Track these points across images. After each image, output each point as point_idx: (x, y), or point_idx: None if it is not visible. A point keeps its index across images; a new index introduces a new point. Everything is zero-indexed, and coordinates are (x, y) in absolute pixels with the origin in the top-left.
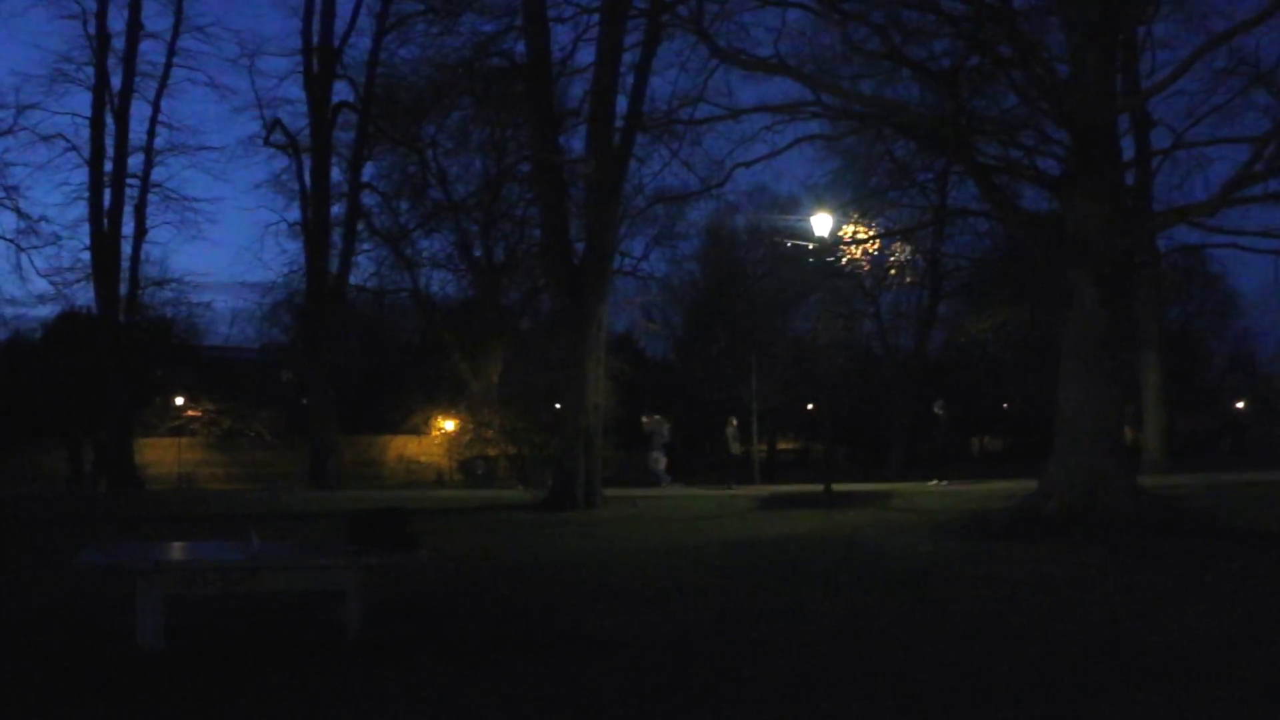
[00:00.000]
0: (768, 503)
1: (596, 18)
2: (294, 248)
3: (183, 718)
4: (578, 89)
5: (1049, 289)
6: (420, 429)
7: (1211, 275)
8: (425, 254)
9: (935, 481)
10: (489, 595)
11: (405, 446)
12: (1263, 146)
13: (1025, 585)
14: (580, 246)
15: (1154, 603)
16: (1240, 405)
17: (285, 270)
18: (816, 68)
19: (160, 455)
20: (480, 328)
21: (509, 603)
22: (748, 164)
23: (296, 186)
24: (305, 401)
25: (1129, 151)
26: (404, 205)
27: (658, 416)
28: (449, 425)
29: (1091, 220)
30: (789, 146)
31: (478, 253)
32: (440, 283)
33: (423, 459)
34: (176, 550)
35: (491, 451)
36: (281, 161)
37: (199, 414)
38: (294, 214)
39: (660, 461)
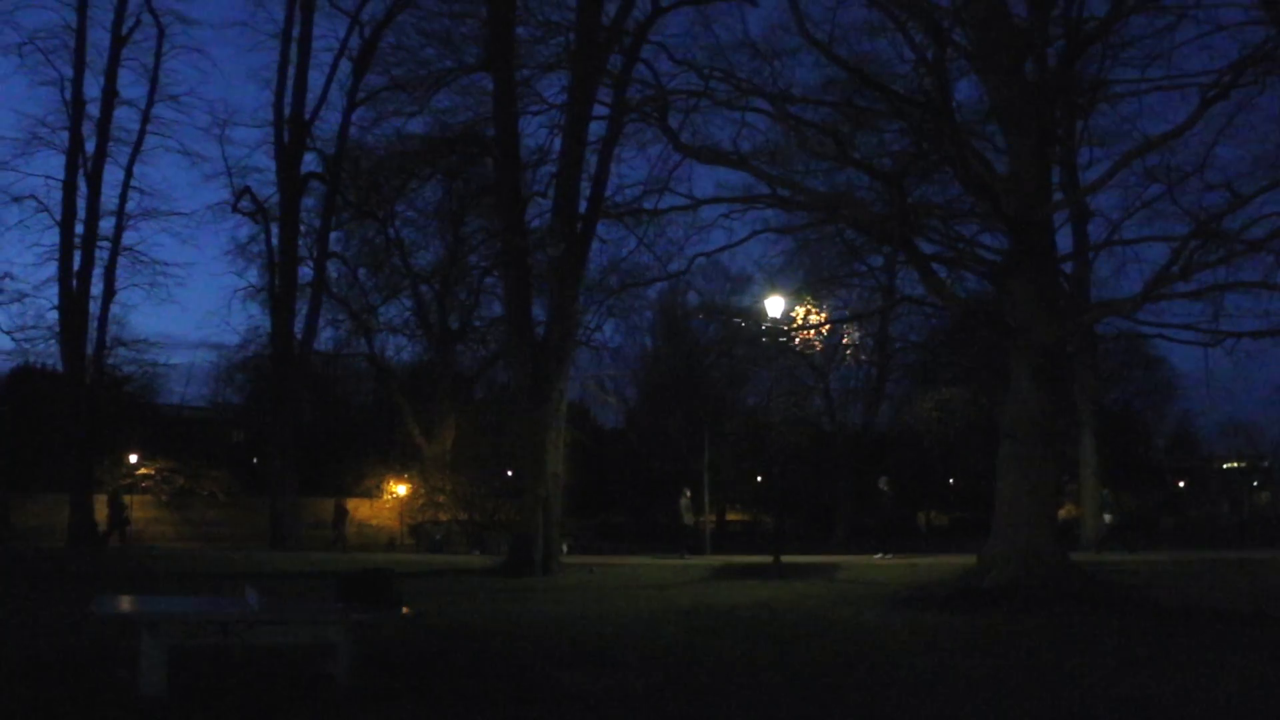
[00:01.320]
0: (720, 572)
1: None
2: (259, 313)
3: None
4: (544, 170)
5: (989, 372)
6: (373, 492)
7: (1153, 358)
8: (382, 319)
9: (880, 555)
10: (462, 653)
11: (357, 509)
12: (1179, 252)
13: (959, 653)
14: (541, 322)
15: (1067, 670)
16: (1182, 484)
17: (242, 332)
18: (772, 160)
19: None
20: (434, 393)
21: (482, 660)
22: (708, 254)
23: (263, 252)
24: (263, 461)
25: (1069, 240)
26: (363, 271)
27: None
28: (402, 489)
29: (1027, 309)
30: (747, 239)
31: (434, 320)
32: (396, 348)
33: (375, 522)
34: (179, 604)
35: (443, 516)
36: (249, 228)
37: (151, 471)
38: (256, 278)
39: None
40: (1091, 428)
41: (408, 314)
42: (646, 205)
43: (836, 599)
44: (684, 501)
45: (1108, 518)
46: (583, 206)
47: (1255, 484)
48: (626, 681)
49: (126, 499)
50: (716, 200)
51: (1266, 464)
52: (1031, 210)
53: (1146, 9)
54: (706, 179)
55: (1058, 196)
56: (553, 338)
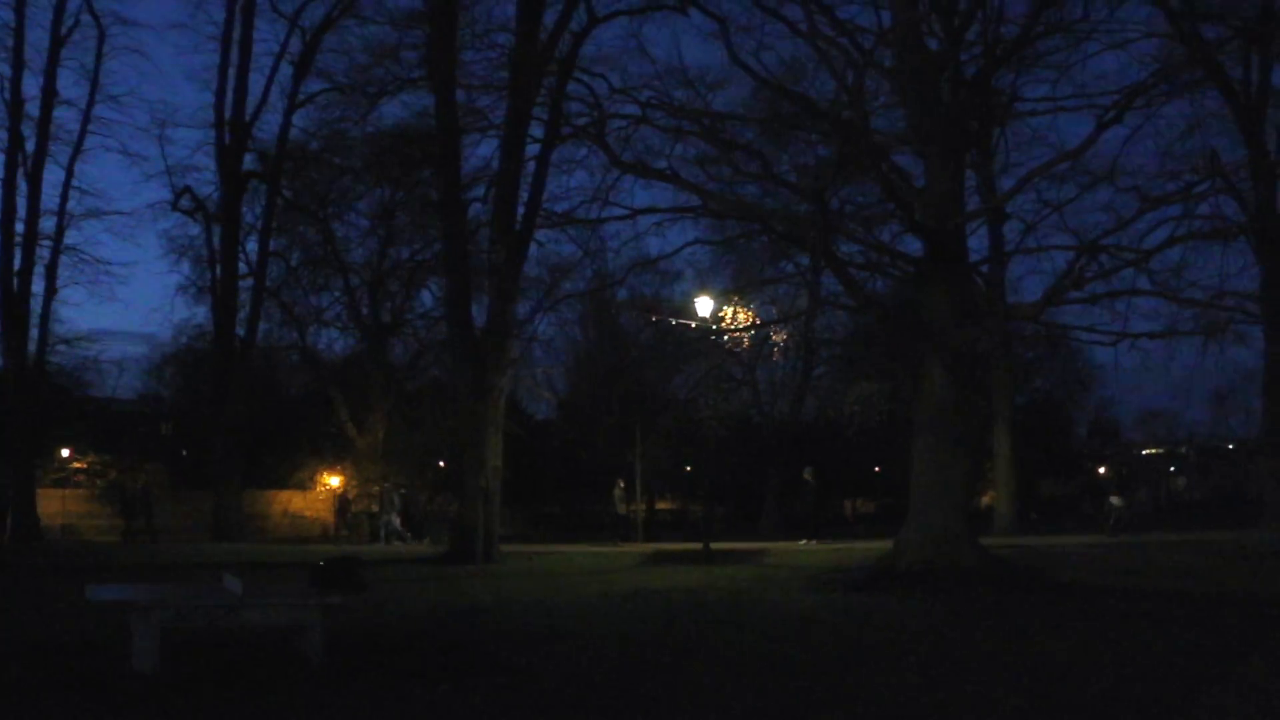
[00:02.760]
0: (653, 559)
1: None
2: (200, 309)
3: None
4: (484, 173)
5: (906, 369)
6: (305, 484)
7: (1072, 349)
8: (314, 312)
9: (804, 541)
10: (420, 635)
11: (290, 501)
12: (1072, 264)
13: (872, 628)
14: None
15: (968, 645)
16: (1102, 471)
17: (174, 326)
18: (704, 172)
19: (44, 507)
20: (366, 385)
21: (438, 641)
22: (645, 263)
23: (197, 248)
24: (195, 455)
25: (987, 239)
26: (297, 265)
27: (388, 484)
28: (334, 481)
29: (941, 312)
30: (682, 249)
31: (366, 313)
32: (328, 340)
33: (308, 514)
34: (168, 590)
35: (375, 508)
36: (189, 226)
37: (84, 465)
38: (189, 271)
39: (396, 520)
40: (1006, 420)
41: (339, 307)
42: (585, 214)
43: (763, 582)
44: (617, 492)
45: (1115, 501)
46: (521, 211)
47: (1172, 469)
48: (573, 659)
49: (57, 493)
50: (652, 210)
51: (1183, 450)
52: (945, 220)
53: (1052, 34)
54: (641, 193)
55: (974, 203)
56: (492, 337)
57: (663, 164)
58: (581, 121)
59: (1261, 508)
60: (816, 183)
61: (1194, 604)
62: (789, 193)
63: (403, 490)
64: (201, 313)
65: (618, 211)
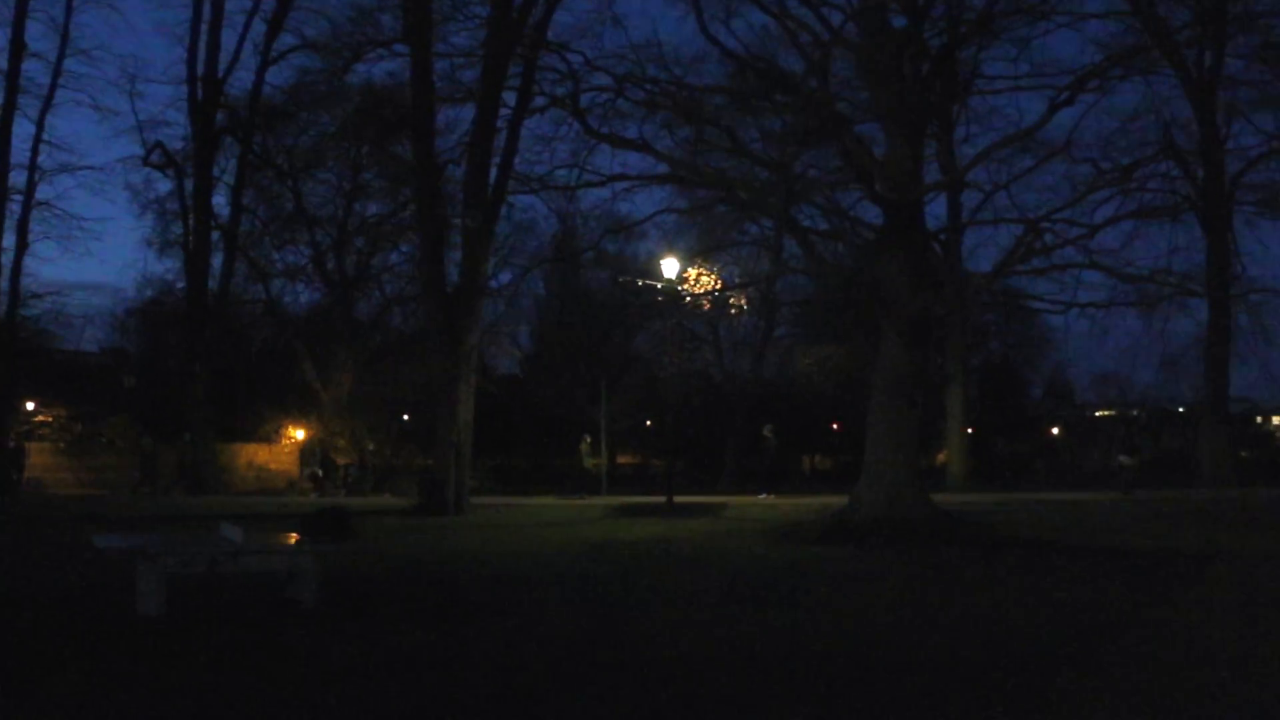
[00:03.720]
0: (618, 511)
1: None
2: (167, 264)
3: (185, 663)
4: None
5: (863, 333)
6: (271, 437)
7: (1029, 310)
8: (279, 265)
9: (764, 495)
10: (402, 580)
11: (256, 454)
12: (1020, 241)
13: (826, 576)
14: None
15: (915, 587)
16: (1056, 431)
17: (139, 280)
18: (671, 138)
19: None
20: (331, 339)
21: (420, 586)
22: (616, 230)
23: (160, 201)
24: (159, 408)
25: (943, 207)
26: (263, 214)
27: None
28: (300, 434)
29: (898, 280)
30: (653, 216)
31: (331, 266)
32: (293, 295)
33: (273, 466)
34: (174, 538)
35: (341, 460)
36: (160, 182)
37: (49, 419)
38: (153, 226)
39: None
40: (959, 382)
41: (306, 261)
42: (558, 179)
43: (724, 533)
44: (584, 447)
45: (1124, 460)
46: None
47: (1124, 431)
48: (547, 600)
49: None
50: (623, 178)
51: (1136, 414)
52: (905, 192)
53: (1012, 16)
54: (611, 159)
55: (934, 172)
56: (464, 295)
57: (634, 132)
58: (560, 92)
59: (1199, 469)
60: (781, 155)
61: (1113, 556)
62: (754, 161)
63: (329, 445)
64: (167, 266)
65: (591, 178)
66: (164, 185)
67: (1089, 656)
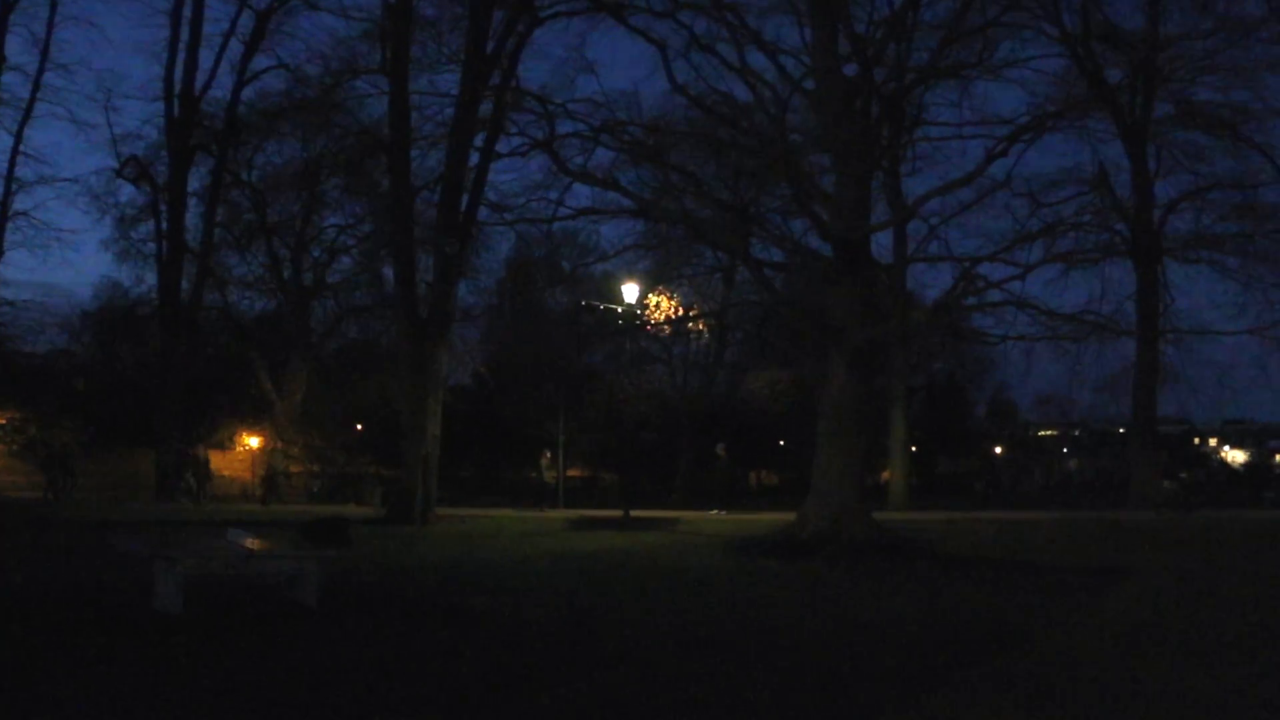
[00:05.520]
0: (577, 524)
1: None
2: (125, 270)
3: (207, 657)
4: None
5: (812, 359)
6: (225, 444)
7: (975, 329)
8: (235, 273)
9: (715, 510)
10: (389, 585)
11: (210, 461)
12: (955, 285)
13: (776, 586)
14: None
15: (848, 596)
16: (999, 450)
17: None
18: (637, 176)
19: None
20: (286, 347)
21: (406, 590)
22: (587, 263)
23: (125, 211)
24: (110, 412)
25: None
26: (222, 219)
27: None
28: (254, 442)
29: (846, 312)
30: (622, 251)
31: (288, 275)
32: (249, 301)
33: (226, 473)
34: (188, 543)
35: (295, 469)
36: (124, 189)
37: (3, 421)
38: (108, 233)
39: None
40: (901, 404)
41: (261, 270)
42: (530, 209)
43: (681, 546)
44: (544, 461)
45: (1168, 484)
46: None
47: (1065, 450)
48: (522, 606)
49: None
50: (595, 212)
51: (1077, 433)
52: (853, 230)
53: (954, 71)
54: (579, 191)
55: (881, 206)
56: (435, 314)
57: (604, 173)
58: (538, 135)
59: (1128, 489)
60: (740, 196)
61: (1026, 570)
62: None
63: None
64: (124, 271)
65: (564, 211)
66: (125, 191)
67: (964, 650)
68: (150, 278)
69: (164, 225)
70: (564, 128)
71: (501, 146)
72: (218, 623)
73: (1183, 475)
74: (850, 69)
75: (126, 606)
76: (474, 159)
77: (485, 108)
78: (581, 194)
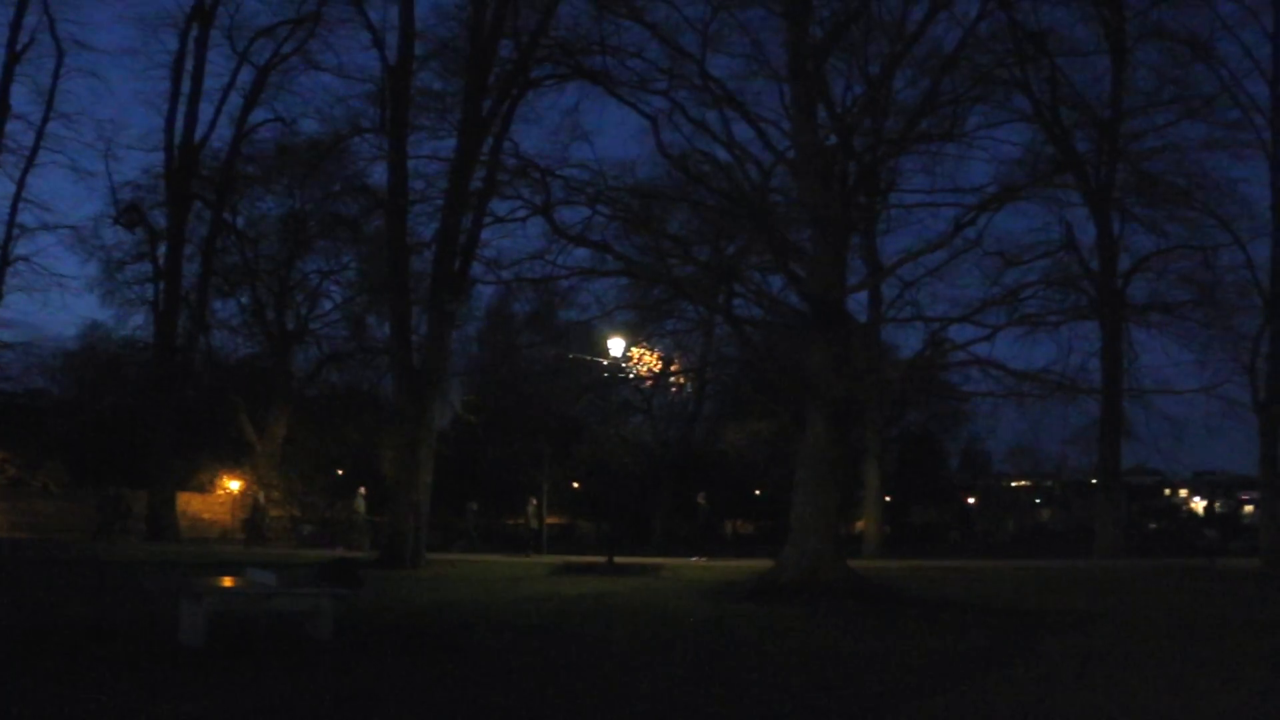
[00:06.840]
0: (562, 569)
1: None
2: (108, 312)
3: (225, 686)
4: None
5: (790, 412)
6: (205, 487)
7: (946, 384)
8: (218, 317)
9: (696, 557)
10: (396, 624)
11: (189, 503)
12: (926, 345)
13: (755, 628)
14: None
15: (820, 635)
16: (971, 500)
17: (79, 327)
18: (627, 240)
19: None
20: (267, 391)
21: (411, 628)
22: (582, 321)
23: (117, 254)
24: (90, 452)
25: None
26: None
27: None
28: (234, 485)
29: (823, 367)
30: (612, 311)
31: (270, 320)
32: (233, 345)
33: (206, 515)
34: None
35: (275, 512)
36: (109, 233)
37: None
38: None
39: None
40: (875, 455)
41: (245, 313)
42: (524, 270)
43: (664, 591)
44: (530, 509)
45: (1209, 532)
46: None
47: (1038, 501)
48: (520, 643)
49: None
50: (590, 273)
51: (1050, 484)
52: (830, 290)
53: (927, 141)
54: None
55: (858, 265)
56: (430, 370)
57: (597, 236)
58: (537, 201)
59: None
60: (723, 257)
61: (991, 614)
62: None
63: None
64: (110, 314)
65: (558, 271)
66: (111, 234)
67: (919, 684)
68: (136, 319)
69: (161, 265)
70: (560, 192)
71: (500, 208)
72: (236, 655)
73: (1152, 525)
74: (829, 139)
75: (153, 640)
76: (468, 221)
77: (482, 173)
78: (577, 252)
